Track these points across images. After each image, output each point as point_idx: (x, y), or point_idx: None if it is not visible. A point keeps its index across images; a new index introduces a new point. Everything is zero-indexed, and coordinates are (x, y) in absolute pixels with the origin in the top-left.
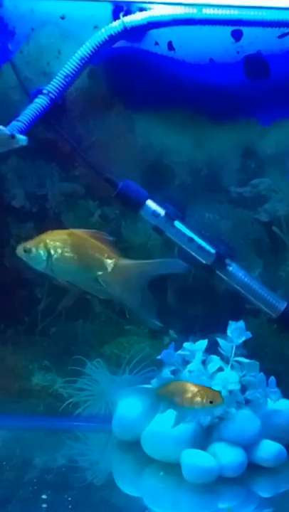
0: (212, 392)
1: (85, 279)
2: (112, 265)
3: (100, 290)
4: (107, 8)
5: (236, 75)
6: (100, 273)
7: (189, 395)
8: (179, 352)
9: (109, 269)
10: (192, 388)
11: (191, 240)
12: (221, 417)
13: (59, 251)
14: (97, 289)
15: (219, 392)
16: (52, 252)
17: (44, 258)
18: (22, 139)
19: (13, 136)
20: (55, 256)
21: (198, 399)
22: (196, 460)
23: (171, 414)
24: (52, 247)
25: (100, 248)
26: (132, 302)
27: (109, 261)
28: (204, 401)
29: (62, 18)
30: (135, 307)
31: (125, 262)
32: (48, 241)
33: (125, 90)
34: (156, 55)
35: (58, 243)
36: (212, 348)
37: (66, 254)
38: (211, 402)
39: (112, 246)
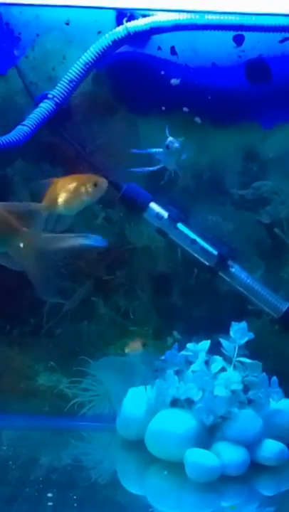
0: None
1: None
2: (24, 238)
3: (11, 262)
4: (111, 13)
5: (238, 78)
6: (15, 245)
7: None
8: (183, 352)
9: (22, 243)
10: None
11: (194, 241)
12: (223, 416)
13: None
14: (8, 261)
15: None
16: None
17: None
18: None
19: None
20: None
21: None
22: (199, 459)
23: (174, 414)
24: None
25: (11, 221)
26: (39, 276)
27: (21, 234)
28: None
29: (67, 23)
30: (40, 281)
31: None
32: None
33: (129, 94)
34: (159, 60)
35: None
36: (215, 349)
37: None
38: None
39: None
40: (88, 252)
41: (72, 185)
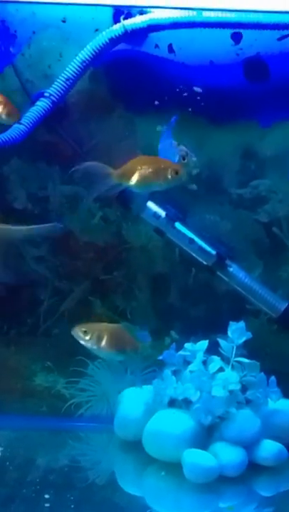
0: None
1: None
2: None
3: None
4: (108, 11)
5: (236, 77)
6: None
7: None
8: (180, 352)
9: None
10: None
11: (191, 241)
12: (221, 416)
13: None
14: None
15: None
16: None
17: None
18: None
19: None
20: None
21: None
22: (197, 459)
23: (172, 414)
24: None
25: None
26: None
27: None
28: None
29: (64, 21)
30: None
31: None
32: None
33: (126, 93)
34: (156, 58)
35: None
36: (213, 349)
37: None
38: None
39: None
40: (86, 251)
41: (154, 166)
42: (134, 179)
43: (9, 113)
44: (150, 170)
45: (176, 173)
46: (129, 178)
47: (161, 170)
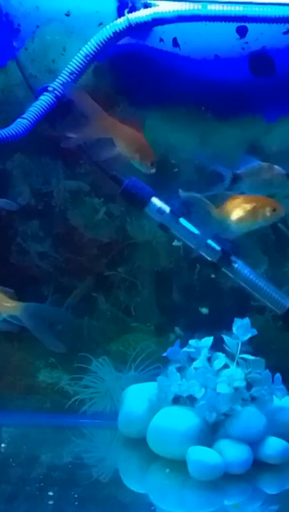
0: None
1: None
2: None
3: None
4: (112, 4)
5: (241, 71)
6: None
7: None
8: (185, 349)
9: None
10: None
11: (196, 236)
12: (226, 413)
13: None
14: None
15: None
16: None
17: None
18: None
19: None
20: None
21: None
22: (201, 457)
23: (176, 411)
24: None
25: None
26: None
27: None
28: None
29: (67, 15)
30: None
31: None
32: None
33: (130, 87)
34: (161, 52)
35: None
36: (218, 345)
37: None
38: None
39: None
40: (90, 247)
41: (250, 205)
42: (232, 220)
43: (152, 163)
44: (248, 210)
45: (274, 209)
46: (229, 216)
47: (260, 209)
